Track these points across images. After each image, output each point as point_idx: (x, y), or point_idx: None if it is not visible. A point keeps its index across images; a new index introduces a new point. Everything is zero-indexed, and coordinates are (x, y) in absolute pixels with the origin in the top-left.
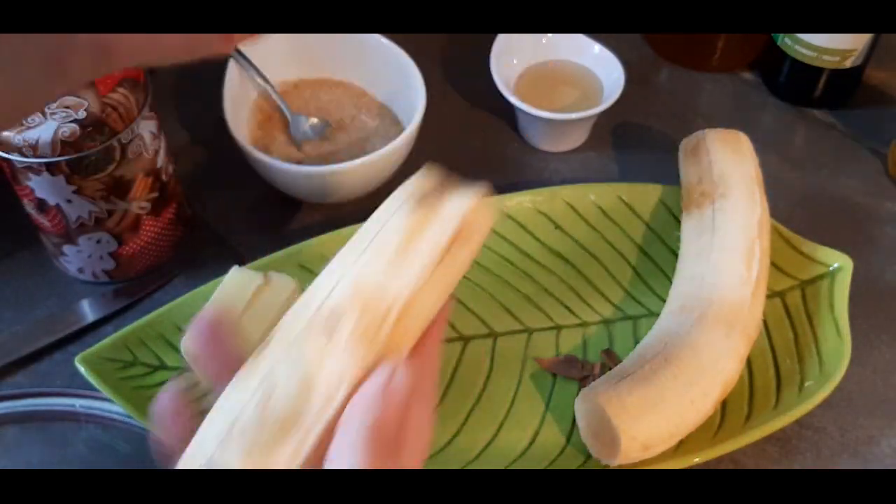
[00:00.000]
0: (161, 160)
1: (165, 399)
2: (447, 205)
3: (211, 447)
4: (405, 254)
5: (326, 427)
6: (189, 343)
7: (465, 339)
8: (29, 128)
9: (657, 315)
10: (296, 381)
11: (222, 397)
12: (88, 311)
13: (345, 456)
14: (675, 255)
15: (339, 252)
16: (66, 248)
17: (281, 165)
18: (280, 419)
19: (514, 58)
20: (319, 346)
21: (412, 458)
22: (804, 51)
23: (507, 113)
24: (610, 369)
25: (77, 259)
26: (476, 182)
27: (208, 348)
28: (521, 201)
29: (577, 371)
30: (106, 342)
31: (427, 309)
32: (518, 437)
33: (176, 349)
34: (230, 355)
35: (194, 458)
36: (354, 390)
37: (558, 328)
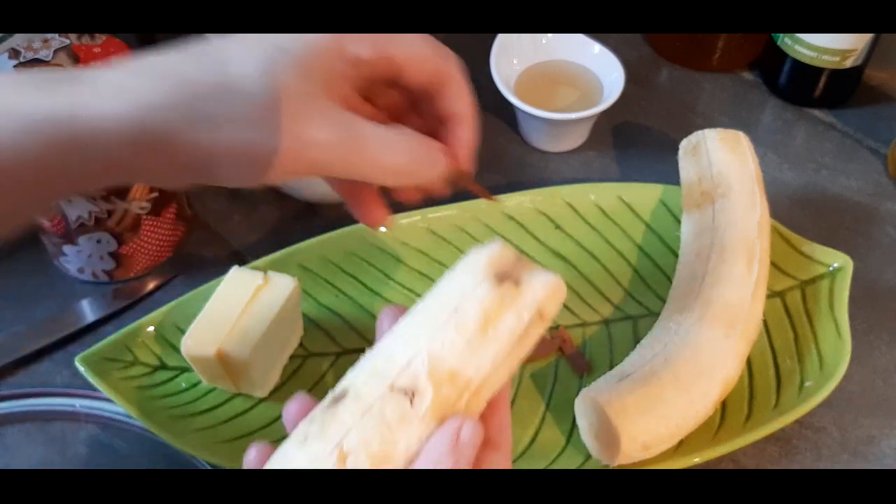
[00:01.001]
0: None
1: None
2: (526, 290)
3: None
4: (485, 336)
5: None
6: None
7: None
8: None
9: (657, 315)
10: (375, 447)
11: (292, 448)
12: (89, 311)
13: None
14: (675, 254)
15: (412, 313)
16: (67, 249)
17: None
18: None
19: (514, 58)
20: (398, 417)
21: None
22: (804, 51)
23: (507, 113)
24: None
25: (77, 259)
26: (544, 269)
27: None
28: (521, 201)
29: (546, 346)
30: (106, 342)
31: (498, 383)
32: (518, 437)
33: (176, 349)
34: None
35: None
36: None
37: (558, 328)
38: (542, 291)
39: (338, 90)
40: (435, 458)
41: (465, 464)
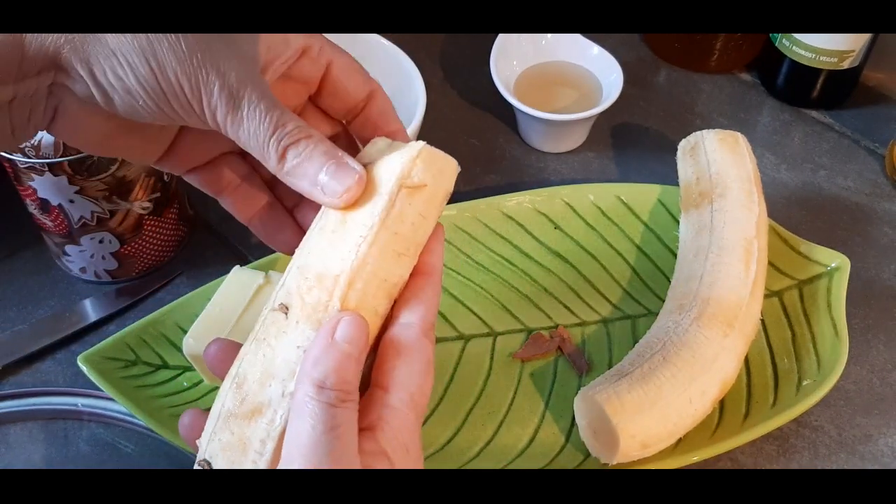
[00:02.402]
0: None
1: (186, 418)
2: (379, 171)
3: (205, 440)
4: (344, 228)
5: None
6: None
7: (465, 339)
8: None
9: (656, 314)
10: (259, 367)
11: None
12: (91, 310)
13: (297, 417)
14: (674, 254)
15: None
16: (69, 248)
17: None
18: (251, 405)
19: (513, 59)
20: (275, 332)
21: (403, 393)
22: (802, 52)
23: (507, 113)
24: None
25: (79, 259)
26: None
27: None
28: (520, 201)
29: (546, 345)
30: (108, 341)
31: (384, 271)
32: (517, 436)
33: (178, 348)
34: None
35: (201, 450)
36: None
37: (557, 327)
38: (398, 164)
39: (273, 70)
40: (314, 359)
41: (349, 363)
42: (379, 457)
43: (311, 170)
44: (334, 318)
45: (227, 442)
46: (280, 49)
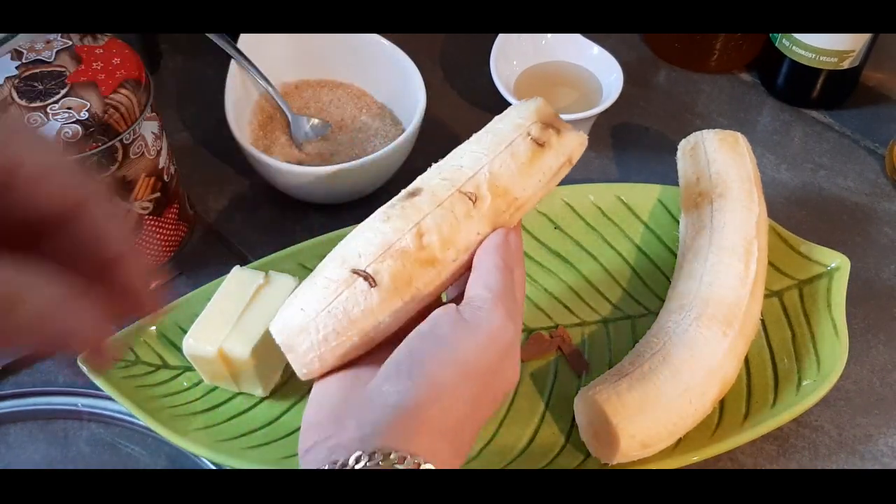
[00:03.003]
0: (163, 161)
1: None
2: (564, 138)
3: (365, 259)
4: (531, 166)
5: (459, 268)
6: None
7: None
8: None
9: (655, 314)
10: (446, 230)
11: (377, 223)
12: None
13: (482, 280)
14: (674, 254)
15: (473, 140)
16: None
17: (282, 166)
18: (428, 252)
19: (513, 58)
20: (463, 213)
21: (521, 293)
22: (802, 52)
23: None
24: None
25: None
26: (574, 128)
27: None
28: None
29: (546, 345)
30: (108, 341)
31: (531, 206)
32: (517, 436)
33: (178, 348)
34: None
35: (345, 257)
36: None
37: (557, 328)
38: (575, 141)
39: None
40: (490, 247)
41: (511, 262)
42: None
43: None
44: (508, 228)
45: (396, 271)
46: None
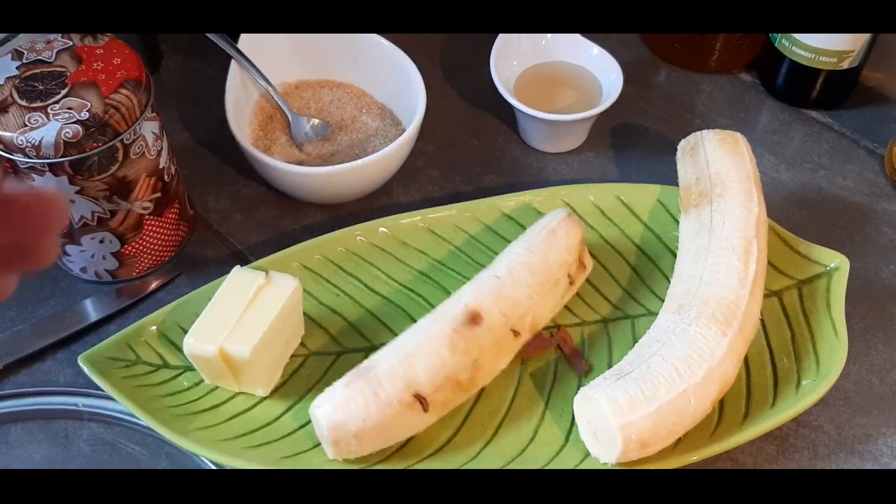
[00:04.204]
0: (163, 161)
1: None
2: (585, 272)
3: (428, 387)
4: (561, 301)
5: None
6: None
7: None
8: (32, 129)
9: (655, 314)
10: (492, 365)
11: (443, 347)
12: (91, 310)
13: None
14: (674, 254)
15: (530, 258)
16: (70, 248)
17: (282, 166)
18: (474, 383)
19: (513, 59)
20: (507, 347)
21: None
22: (801, 52)
23: (507, 113)
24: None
25: (80, 259)
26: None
27: None
28: (520, 201)
29: (546, 343)
30: (108, 341)
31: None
32: (517, 436)
33: (178, 348)
34: None
35: (409, 379)
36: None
37: (558, 327)
38: (587, 272)
39: None
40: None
41: None
42: None
43: None
44: None
45: (446, 398)
46: None
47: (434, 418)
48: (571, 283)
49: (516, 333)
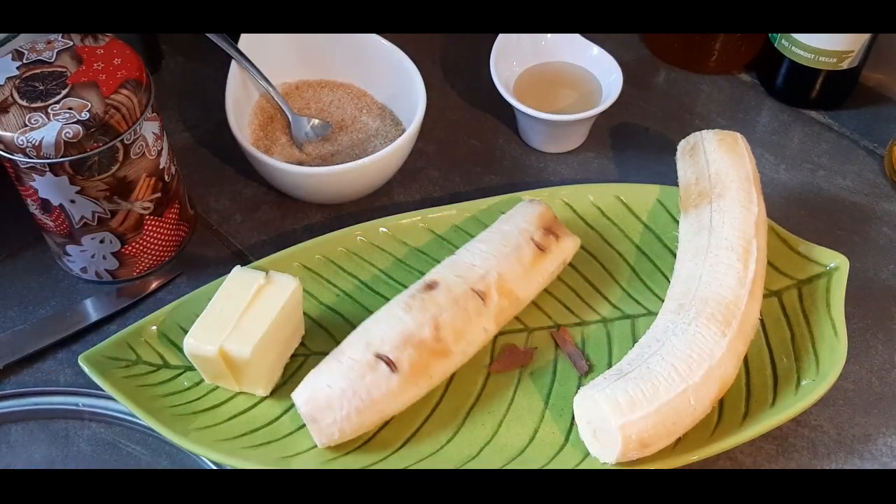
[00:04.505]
0: (164, 161)
1: None
2: (562, 243)
3: (388, 345)
4: (533, 269)
5: (465, 358)
6: None
7: None
8: (32, 129)
9: (655, 314)
10: (459, 325)
11: (399, 311)
12: (92, 310)
13: None
14: (673, 254)
15: (484, 236)
16: (70, 248)
17: (282, 166)
18: (443, 345)
19: (513, 59)
20: (475, 309)
21: None
22: (801, 52)
23: (507, 113)
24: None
25: (80, 259)
26: (569, 231)
27: None
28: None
29: (520, 358)
30: (109, 341)
31: (528, 303)
32: (517, 436)
33: (179, 348)
34: None
35: (369, 340)
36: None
37: (557, 327)
38: (570, 245)
39: None
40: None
41: None
42: None
43: None
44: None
45: (415, 360)
46: None
47: (413, 385)
48: (543, 250)
49: (482, 295)
